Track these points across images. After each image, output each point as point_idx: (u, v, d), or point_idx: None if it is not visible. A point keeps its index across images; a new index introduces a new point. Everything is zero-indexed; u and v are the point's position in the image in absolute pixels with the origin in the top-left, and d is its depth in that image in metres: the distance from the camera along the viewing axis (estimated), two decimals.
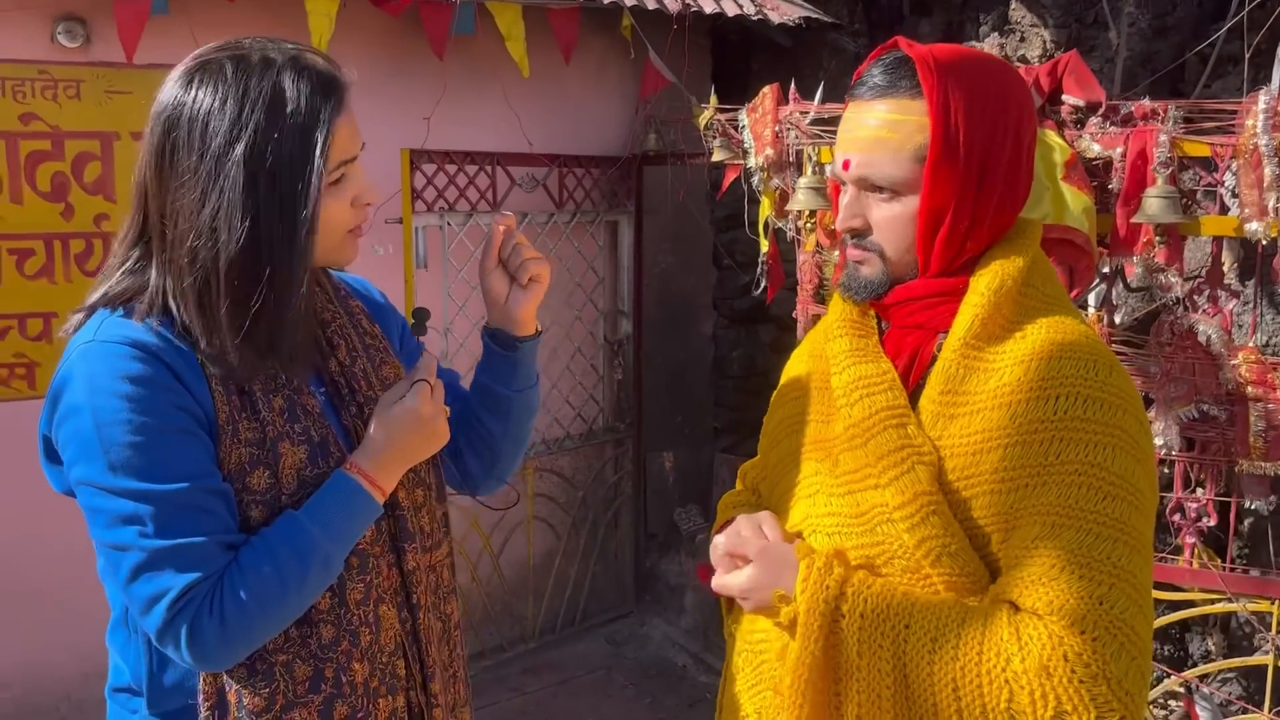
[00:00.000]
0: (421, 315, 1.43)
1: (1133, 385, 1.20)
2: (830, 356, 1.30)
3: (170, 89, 1.19)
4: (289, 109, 1.16)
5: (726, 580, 1.26)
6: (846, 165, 1.24)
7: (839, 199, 1.29)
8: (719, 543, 1.29)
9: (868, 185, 1.24)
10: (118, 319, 1.19)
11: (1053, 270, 1.31)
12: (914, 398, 1.23)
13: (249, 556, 1.16)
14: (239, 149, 1.14)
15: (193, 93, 1.16)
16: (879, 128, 1.21)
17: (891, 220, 1.23)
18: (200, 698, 1.20)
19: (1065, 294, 1.30)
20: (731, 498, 1.54)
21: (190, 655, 1.14)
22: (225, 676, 1.20)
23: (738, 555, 1.26)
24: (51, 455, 1.24)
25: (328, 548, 1.19)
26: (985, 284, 1.20)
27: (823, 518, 1.26)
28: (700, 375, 4.81)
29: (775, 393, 1.48)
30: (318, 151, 1.16)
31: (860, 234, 1.26)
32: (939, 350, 1.23)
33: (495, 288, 1.42)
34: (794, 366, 1.47)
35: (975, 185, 1.20)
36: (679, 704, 3.81)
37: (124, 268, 1.23)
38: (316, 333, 1.33)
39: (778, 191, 3.22)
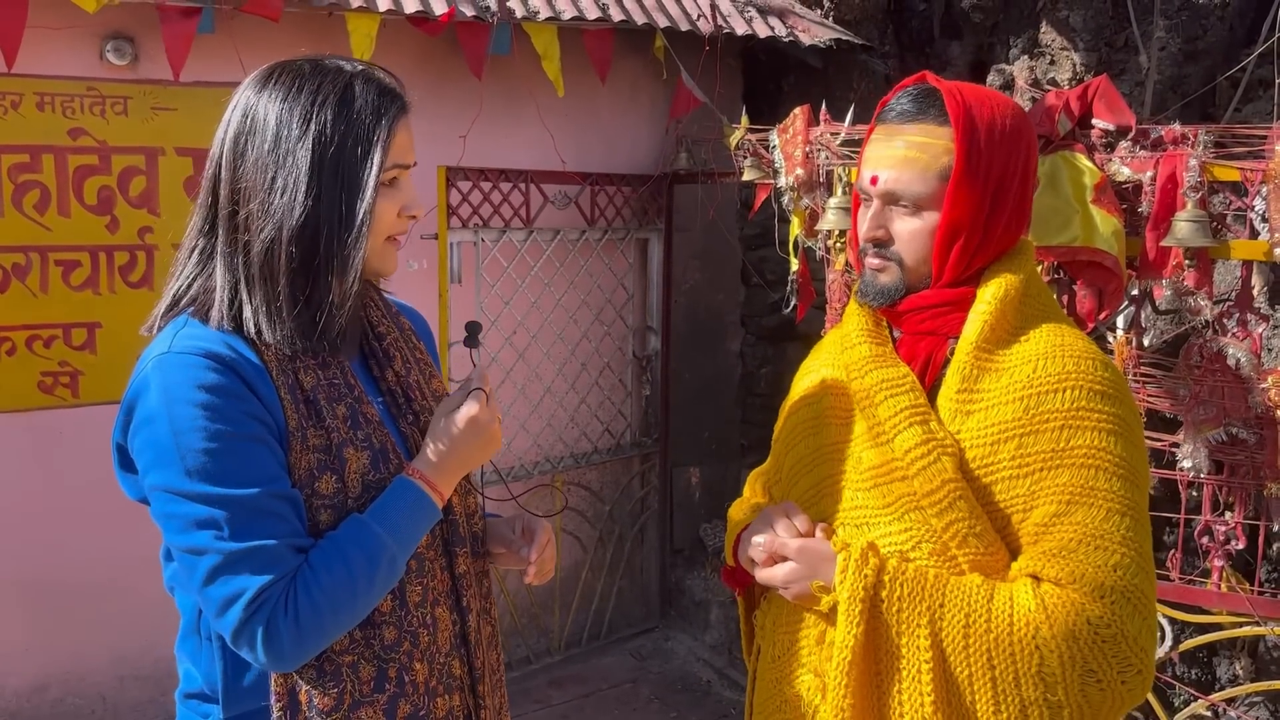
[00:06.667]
0: (474, 328, 1.49)
1: (1125, 379, 1.33)
2: (850, 363, 1.41)
3: (250, 85, 1.28)
4: (356, 105, 1.24)
5: (769, 574, 1.37)
6: (875, 181, 1.36)
7: (859, 213, 1.41)
8: (758, 542, 1.38)
9: (893, 200, 1.35)
10: (192, 329, 1.24)
11: (1045, 284, 1.44)
12: (930, 397, 1.34)
13: (320, 558, 1.20)
14: (308, 136, 1.22)
15: (270, 87, 1.26)
16: (908, 148, 1.33)
17: (913, 233, 1.35)
18: (272, 699, 1.24)
19: (1057, 303, 1.44)
20: (741, 505, 1.63)
21: (265, 654, 1.17)
22: (296, 677, 1.24)
23: (777, 555, 1.36)
24: (125, 464, 1.27)
25: (393, 549, 1.24)
26: (991, 294, 1.33)
27: (850, 510, 1.37)
28: (727, 392, 4.84)
29: (787, 400, 1.58)
30: (378, 143, 1.24)
31: (882, 244, 1.38)
32: (951, 354, 1.35)
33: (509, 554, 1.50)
34: (805, 375, 1.56)
35: (990, 206, 1.32)
36: (703, 719, 3.82)
37: (190, 260, 1.29)
38: (365, 329, 1.40)
39: (808, 211, 3.25)
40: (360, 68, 1.29)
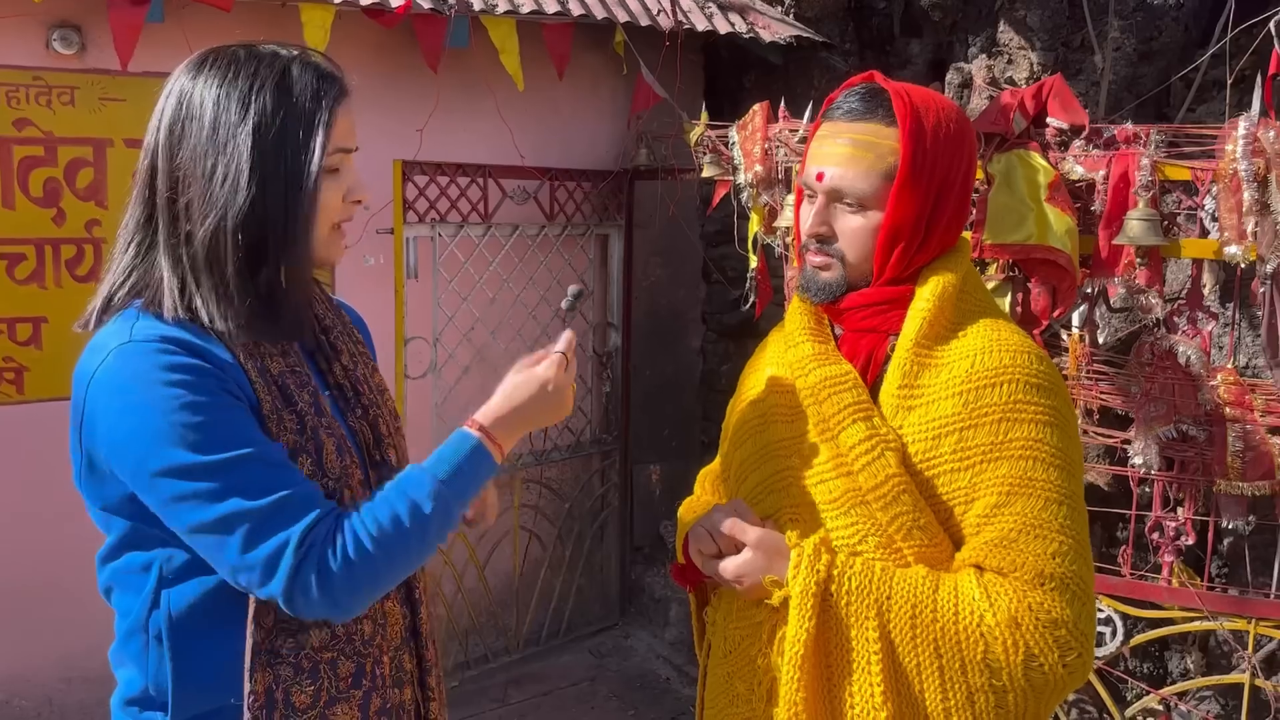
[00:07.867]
0: (579, 294, 1.54)
1: (1059, 372, 1.36)
2: (794, 362, 1.42)
3: (183, 72, 1.25)
4: (295, 90, 1.22)
5: (722, 565, 1.37)
6: (820, 177, 1.37)
7: (802, 208, 1.42)
8: (718, 521, 1.38)
9: (837, 197, 1.36)
10: (147, 322, 1.21)
11: (982, 280, 1.48)
12: (873, 393, 1.36)
13: (369, 505, 1.20)
14: (248, 123, 1.19)
15: (205, 73, 1.23)
16: (855, 147, 1.34)
17: (856, 230, 1.36)
18: (248, 698, 1.21)
19: (993, 299, 1.46)
20: (692, 503, 1.64)
21: (321, 597, 1.15)
22: (272, 675, 1.22)
23: (737, 541, 1.37)
24: (88, 470, 1.23)
25: (447, 498, 1.22)
26: (930, 291, 1.35)
27: (798, 506, 1.38)
28: (688, 389, 4.83)
29: (733, 399, 1.59)
30: (320, 128, 1.22)
31: (825, 240, 1.39)
32: (891, 351, 1.37)
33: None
34: (751, 374, 1.57)
35: (932, 207, 1.34)
36: (662, 716, 3.82)
37: (127, 253, 1.26)
38: (314, 322, 1.38)
39: (766, 208, 3.25)
40: (296, 52, 1.26)
